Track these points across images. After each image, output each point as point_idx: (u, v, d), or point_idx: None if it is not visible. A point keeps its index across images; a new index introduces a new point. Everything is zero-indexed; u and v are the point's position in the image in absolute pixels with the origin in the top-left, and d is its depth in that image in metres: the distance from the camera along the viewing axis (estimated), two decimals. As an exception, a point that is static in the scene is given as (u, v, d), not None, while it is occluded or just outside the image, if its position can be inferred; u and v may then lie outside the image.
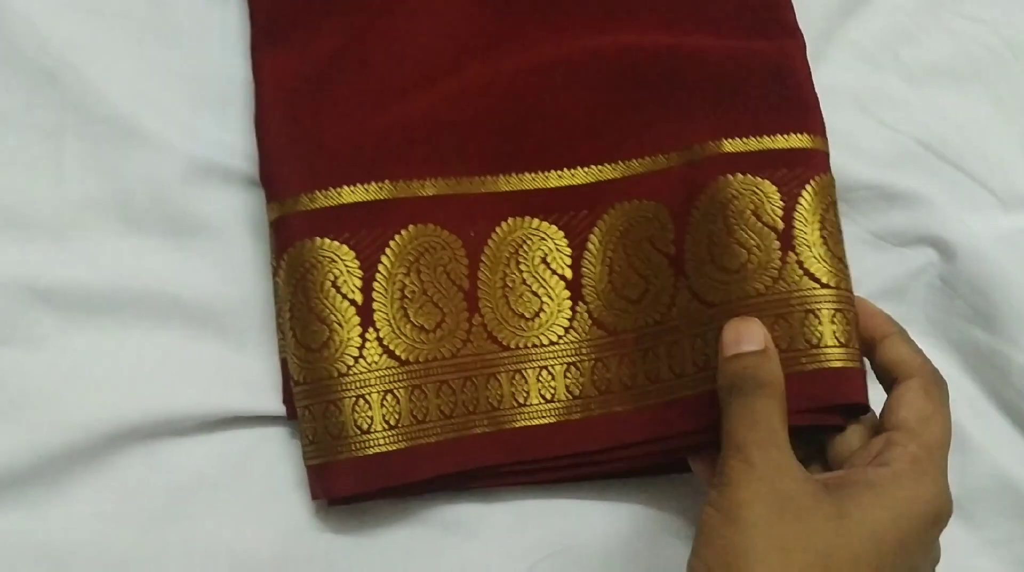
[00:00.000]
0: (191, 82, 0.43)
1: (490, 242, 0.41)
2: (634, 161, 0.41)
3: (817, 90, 0.45)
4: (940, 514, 0.33)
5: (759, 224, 0.38)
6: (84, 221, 0.41)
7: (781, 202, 0.38)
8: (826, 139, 0.40)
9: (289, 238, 0.38)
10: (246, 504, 0.39)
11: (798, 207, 0.38)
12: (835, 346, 0.37)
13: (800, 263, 0.38)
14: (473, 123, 0.41)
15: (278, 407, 0.40)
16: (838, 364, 0.37)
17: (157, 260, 0.41)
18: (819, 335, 0.37)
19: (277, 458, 0.40)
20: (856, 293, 0.43)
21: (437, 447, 0.38)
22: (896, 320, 0.38)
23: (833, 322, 0.37)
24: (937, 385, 0.36)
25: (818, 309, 0.37)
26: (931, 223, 0.44)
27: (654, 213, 0.40)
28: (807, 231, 0.38)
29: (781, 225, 0.38)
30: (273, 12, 0.42)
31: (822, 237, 0.38)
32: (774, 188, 0.38)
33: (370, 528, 0.39)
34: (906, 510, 0.32)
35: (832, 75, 0.46)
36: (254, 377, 0.40)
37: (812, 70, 0.44)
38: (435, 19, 0.42)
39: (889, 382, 0.37)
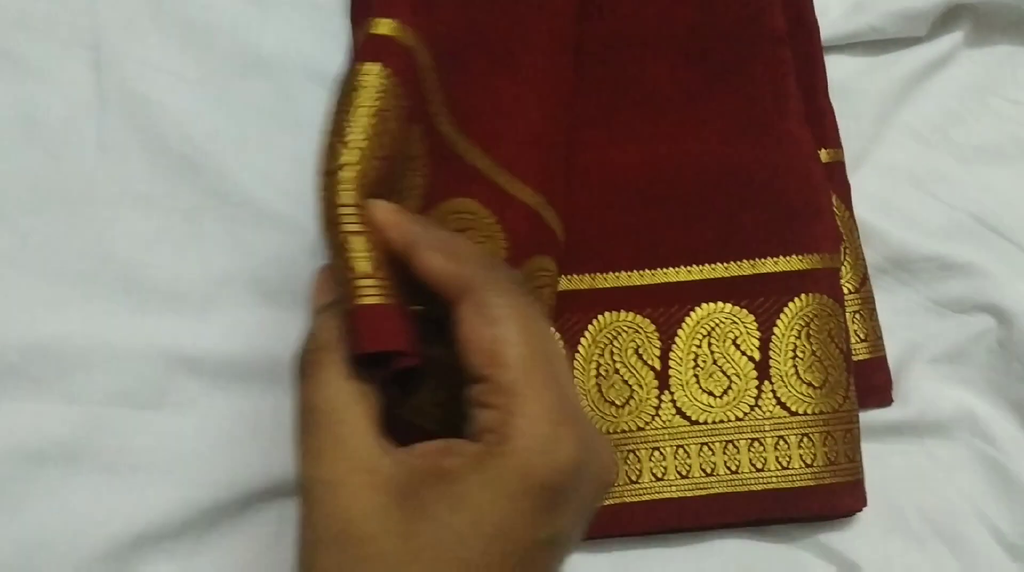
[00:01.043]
0: (314, 167, 0.46)
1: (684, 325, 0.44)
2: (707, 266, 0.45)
3: (877, 168, 0.49)
4: (535, 483, 0.26)
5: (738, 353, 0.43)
6: (224, 295, 0.44)
7: (758, 332, 0.43)
8: (826, 255, 0.44)
9: None
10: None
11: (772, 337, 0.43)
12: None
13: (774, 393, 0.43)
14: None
15: (399, 465, 0.43)
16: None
17: (290, 330, 0.43)
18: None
19: (399, 512, 0.43)
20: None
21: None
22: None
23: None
24: (492, 291, 0.28)
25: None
26: (988, 291, 0.46)
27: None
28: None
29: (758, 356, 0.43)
30: (385, 103, 0.46)
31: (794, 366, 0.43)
32: (752, 317, 0.44)
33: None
34: (486, 503, 0.26)
35: (890, 155, 0.50)
36: (376, 437, 0.43)
37: (870, 151, 0.47)
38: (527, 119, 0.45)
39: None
